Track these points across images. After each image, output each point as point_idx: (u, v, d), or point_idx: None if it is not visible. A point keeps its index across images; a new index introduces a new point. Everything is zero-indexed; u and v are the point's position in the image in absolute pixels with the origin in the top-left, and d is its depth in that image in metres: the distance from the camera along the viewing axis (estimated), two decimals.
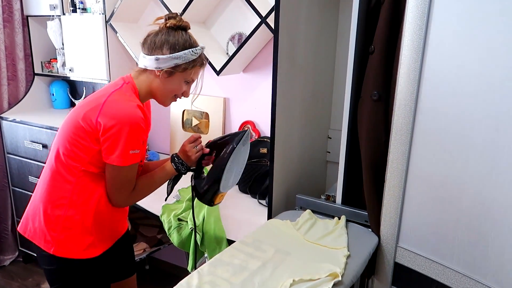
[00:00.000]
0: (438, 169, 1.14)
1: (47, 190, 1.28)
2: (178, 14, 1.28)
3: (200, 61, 1.28)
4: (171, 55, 1.21)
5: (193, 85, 1.35)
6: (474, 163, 1.06)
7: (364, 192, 1.37)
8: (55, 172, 1.27)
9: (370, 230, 1.34)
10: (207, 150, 1.36)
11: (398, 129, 1.19)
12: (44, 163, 2.27)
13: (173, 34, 1.23)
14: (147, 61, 1.23)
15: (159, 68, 1.22)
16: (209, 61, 1.95)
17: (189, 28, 1.29)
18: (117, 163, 1.18)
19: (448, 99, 1.08)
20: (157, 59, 1.21)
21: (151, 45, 1.23)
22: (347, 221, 1.38)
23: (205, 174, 1.39)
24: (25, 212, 1.34)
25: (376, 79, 1.28)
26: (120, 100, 1.21)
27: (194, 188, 1.38)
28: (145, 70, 1.26)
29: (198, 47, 1.26)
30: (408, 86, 1.15)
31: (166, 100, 1.32)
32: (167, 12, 2.01)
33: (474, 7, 1.00)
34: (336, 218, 1.38)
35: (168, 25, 1.23)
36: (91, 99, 1.24)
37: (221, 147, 1.34)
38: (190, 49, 1.23)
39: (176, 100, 1.34)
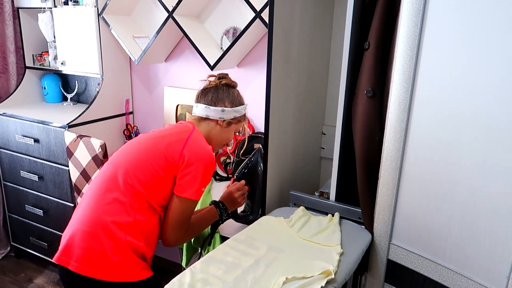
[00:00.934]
0: (432, 166, 1.14)
1: (109, 213, 1.23)
2: (228, 75, 1.47)
3: (245, 115, 1.48)
4: (233, 108, 1.39)
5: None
6: (467, 161, 1.06)
7: (357, 189, 1.37)
8: (118, 195, 1.24)
9: (364, 227, 1.34)
10: (247, 188, 1.50)
11: (392, 126, 1.18)
12: (36, 157, 2.26)
13: (232, 92, 1.43)
14: (211, 112, 1.38)
15: (223, 118, 1.38)
16: (203, 55, 1.93)
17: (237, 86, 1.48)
18: (192, 197, 1.27)
19: (443, 96, 1.08)
20: (223, 111, 1.38)
21: (214, 98, 1.39)
22: (341, 218, 1.38)
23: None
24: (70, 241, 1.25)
25: (371, 76, 1.27)
26: (201, 140, 1.34)
27: (234, 213, 1.52)
28: (206, 118, 1.39)
29: (246, 104, 1.47)
30: (402, 83, 1.14)
31: (220, 146, 1.47)
32: (161, 6, 1.99)
33: (470, 3, 0.99)
34: (329, 215, 1.38)
35: (223, 82, 1.42)
36: (169, 132, 1.36)
37: (251, 175, 1.52)
38: (243, 105, 1.44)
39: (224, 147, 1.57)
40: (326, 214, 1.42)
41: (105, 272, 1.19)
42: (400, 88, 1.15)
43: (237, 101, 1.43)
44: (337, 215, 1.37)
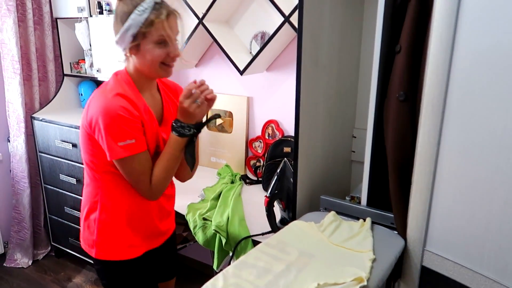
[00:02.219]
0: (467, 171, 1.10)
1: (83, 197, 1.33)
2: None
3: (157, 14, 1.12)
4: (121, 30, 1.12)
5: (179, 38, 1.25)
6: (505, 165, 1.02)
7: (390, 193, 1.35)
8: (86, 178, 1.31)
9: (396, 232, 1.32)
10: (198, 92, 1.18)
11: (426, 130, 1.16)
12: (74, 161, 2.35)
13: (121, 5, 1.13)
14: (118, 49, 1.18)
15: (125, 49, 1.17)
16: (233, 61, 1.95)
17: None
18: (111, 158, 1.15)
19: (478, 100, 1.05)
20: (117, 43, 1.16)
21: (115, 33, 1.16)
22: (373, 223, 1.36)
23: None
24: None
25: (403, 79, 1.25)
26: (100, 94, 1.18)
27: (271, 222, 1.53)
28: (126, 57, 1.21)
29: (145, 2, 1.11)
30: (436, 86, 1.11)
31: (156, 73, 1.20)
32: (191, 13, 2.03)
33: (505, 4, 0.96)
34: (361, 220, 1.37)
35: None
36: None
37: (282, 190, 1.53)
38: (135, 11, 1.10)
39: (170, 66, 1.21)
40: (358, 219, 1.40)
41: (94, 251, 1.30)
42: (433, 91, 1.12)
43: (126, 13, 1.11)
44: (368, 220, 1.35)
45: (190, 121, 1.20)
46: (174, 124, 1.21)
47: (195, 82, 1.21)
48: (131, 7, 1.11)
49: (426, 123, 1.15)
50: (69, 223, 2.54)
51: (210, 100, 1.23)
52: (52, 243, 2.76)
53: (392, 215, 1.34)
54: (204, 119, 1.26)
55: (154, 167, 1.23)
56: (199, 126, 1.24)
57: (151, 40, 1.14)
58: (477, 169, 1.08)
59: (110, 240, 1.30)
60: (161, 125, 1.31)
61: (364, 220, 1.37)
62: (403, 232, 1.29)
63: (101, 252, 1.31)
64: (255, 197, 1.95)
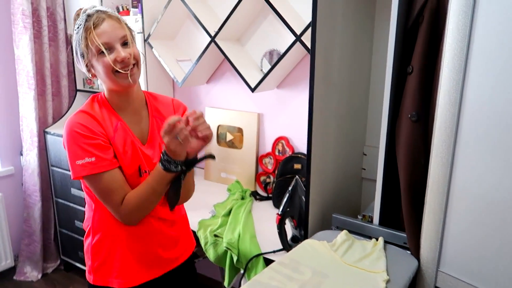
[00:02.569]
0: (482, 192, 1.11)
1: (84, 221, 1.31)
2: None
3: (87, 26, 1.07)
4: (73, 43, 1.12)
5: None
6: None
7: (402, 213, 1.35)
8: (86, 201, 1.28)
9: (409, 252, 1.32)
10: (178, 124, 1.04)
11: (439, 151, 1.16)
12: None
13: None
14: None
15: (83, 68, 1.14)
16: (244, 78, 1.98)
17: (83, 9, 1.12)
18: (72, 176, 1.11)
19: (492, 122, 1.06)
20: (77, 60, 1.14)
21: None
22: (385, 242, 1.36)
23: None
24: None
25: (415, 100, 1.26)
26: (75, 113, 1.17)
27: (283, 242, 1.54)
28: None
29: (79, 18, 1.09)
30: (449, 107, 1.13)
31: (116, 84, 1.12)
32: (203, 31, 2.07)
33: None
34: (373, 240, 1.37)
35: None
36: None
37: (294, 208, 1.54)
38: (74, 31, 1.09)
39: (126, 71, 1.10)
40: (370, 238, 1.40)
41: (91, 278, 1.26)
42: (446, 112, 1.13)
43: (72, 32, 1.10)
44: (381, 239, 1.35)
45: (176, 158, 1.08)
46: (161, 155, 1.10)
47: (183, 113, 1.14)
48: (72, 30, 1.12)
49: (439, 144, 1.16)
50: (79, 237, 2.56)
51: (205, 138, 1.09)
52: (62, 257, 2.77)
53: (405, 235, 1.34)
54: (203, 155, 1.15)
55: (132, 191, 1.15)
56: (189, 164, 1.12)
57: (93, 53, 1.09)
58: (491, 190, 1.08)
59: (104, 266, 1.23)
60: (145, 143, 1.23)
61: (377, 239, 1.37)
62: (416, 253, 1.29)
63: (97, 278, 1.24)
64: (266, 213, 1.96)
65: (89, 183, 1.13)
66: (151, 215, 1.23)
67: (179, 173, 1.12)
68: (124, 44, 1.11)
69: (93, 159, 1.09)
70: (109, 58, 1.08)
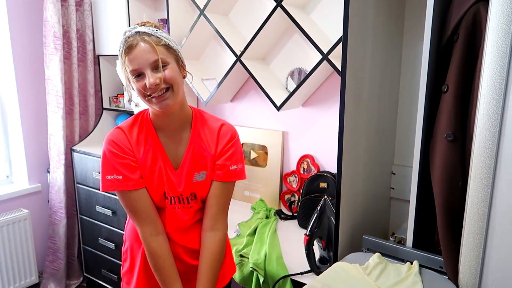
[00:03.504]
0: None
1: None
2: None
3: (122, 50, 1.09)
4: (118, 65, 1.14)
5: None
6: None
7: (437, 235, 1.30)
8: None
9: (447, 277, 1.26)
10: None
11: (478, 172, 1.12)
12: (110, 193, 2.38)
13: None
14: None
15: (126, 87, 1.15)
16: (270, 97, 1.97)
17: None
18: (100, 189, 1.17)
19: None
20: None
21: None
22: (420, 266, 1.31)
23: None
24: None
25: (451, 119, 1.23)
26: None
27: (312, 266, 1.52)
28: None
29: (121, 40, 1.10)
30: (488, 128, 1.09)
31: (151, 107, 1.15)
32: (228, 50, 2.09)
33: None
34: (408, 263, 1.32)
35: None
36: None
37: (322, 228, 1.51)
38: (119, 49, 1.10)
39: (153, 97, 1.09)
40: (403, 261, 1.35)
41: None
42: (485, 132, 1.10)
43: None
44: (416, 263, 1.30)
45: None
46: None
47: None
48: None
49: (478, 165, 1.12)
50: (103, 254, 2.56)
51: None
52: (85, 274, 2.78)
53: (441, 258, 1.29)
54: None
55: (162, 256, 1.18)
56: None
57: (130, 77, 1.10)
58: None
59: (128, 274, 1.31)
60: (177, 168, 1.21)
61: (411, 263, 1.32)
62: (454, 278, 1.23)
63: (123, 283, 1.33)
64: (291, 233, 1.92)
65: (119, 198, 1.20)
66: (174, 242, 1.25)
67: None
68: (156, 68, 1.09)
69: (120, 177, 1.14)
70: (137, 84, 1.09)
